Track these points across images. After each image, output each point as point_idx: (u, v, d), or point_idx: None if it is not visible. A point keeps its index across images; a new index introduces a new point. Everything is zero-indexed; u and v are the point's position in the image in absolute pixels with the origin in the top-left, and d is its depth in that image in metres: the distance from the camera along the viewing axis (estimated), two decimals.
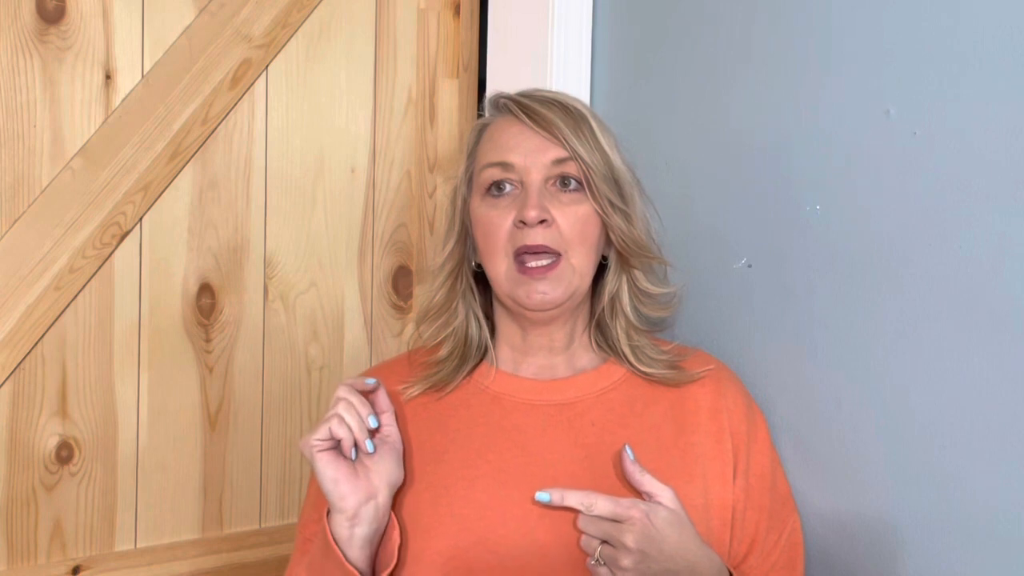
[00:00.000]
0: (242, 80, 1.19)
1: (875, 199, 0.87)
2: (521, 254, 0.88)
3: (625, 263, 0.94)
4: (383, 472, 0.85)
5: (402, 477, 0.87)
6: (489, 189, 0.91)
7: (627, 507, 0.78)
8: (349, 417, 0.82)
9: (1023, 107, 0.76)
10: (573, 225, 0.88)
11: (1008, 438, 0.77)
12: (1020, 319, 0.76)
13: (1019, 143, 0.76)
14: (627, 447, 0.84)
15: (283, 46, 1.22)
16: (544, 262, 0.87)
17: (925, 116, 0.83)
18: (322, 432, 0.82)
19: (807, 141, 0.94)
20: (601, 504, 0.78)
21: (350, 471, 0.83)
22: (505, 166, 0.90)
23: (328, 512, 0.84)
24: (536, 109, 0.90)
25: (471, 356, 0.94)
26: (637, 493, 0.84)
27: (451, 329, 0.94)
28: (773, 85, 0.97)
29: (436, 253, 0.99)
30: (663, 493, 0.81)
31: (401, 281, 1.34)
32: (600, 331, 0.96)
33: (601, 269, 0.95)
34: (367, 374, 1.00)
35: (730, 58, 1.03)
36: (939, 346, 0.82)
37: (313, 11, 1.23)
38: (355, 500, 0.82)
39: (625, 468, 0.83)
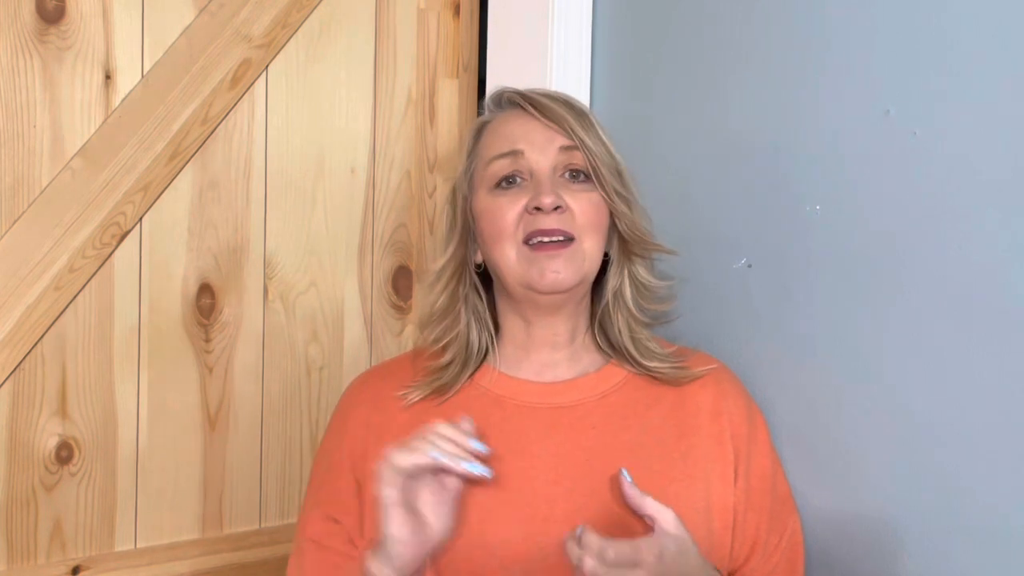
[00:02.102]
0: (242, 80, 1.19)
1: (875, 199, 0.87)
2: (533, 236, 0.87)
3: (627, 256, 0.94)
4: (441, 529, 0.80)
5: (451, 530, 0.82)
6: (499, 183, 0.91)
7: (640, 550, 0.75)
8: (443, 443, 0.77)
9: (1023, 107, 0.76)
10: (586, 211, 0.89)
11: (1008, 438, 0.77)
12: (1020, 319, 0.76)
13: (1019, 143, 0.76)
14: (624, 471, 0.82)
15: (283, 46, 1.22)
16: (558, 238, 0.87)
17: (925, 116, 0.83)
18: (409, 461, 0.76)
19: (807, 141, 0.94)
20: (615, 551, 0.75)
21: (415, 526, 0.78)
22: (515, 155, 0.90)
23: (371, 549, 0.80)
24: (542, 101, 0.92)
25: (472, 360, 0.93)
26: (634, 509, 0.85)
27: (454, 334, 0.93)
28: (773, 85, 0.97)
29: (436, 257, 0.98)
30: (665, 516, 0.79)
31: (401, 281, 1.34)
32: (603, 330, 0.96)
33: (602, 267, 0.95)
34: (368, 373, 1.00)
35: (730, 58, 1.03)
36: (939, 346, 0.82)
37: (313, 11, 1.23)
38: (411, 557, 0.78)
39: (624, 491, 0.81)
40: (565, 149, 0.90)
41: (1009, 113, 0.77)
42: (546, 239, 0.87)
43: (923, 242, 0.83)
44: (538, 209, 0.87)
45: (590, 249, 0.89)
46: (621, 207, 0.91)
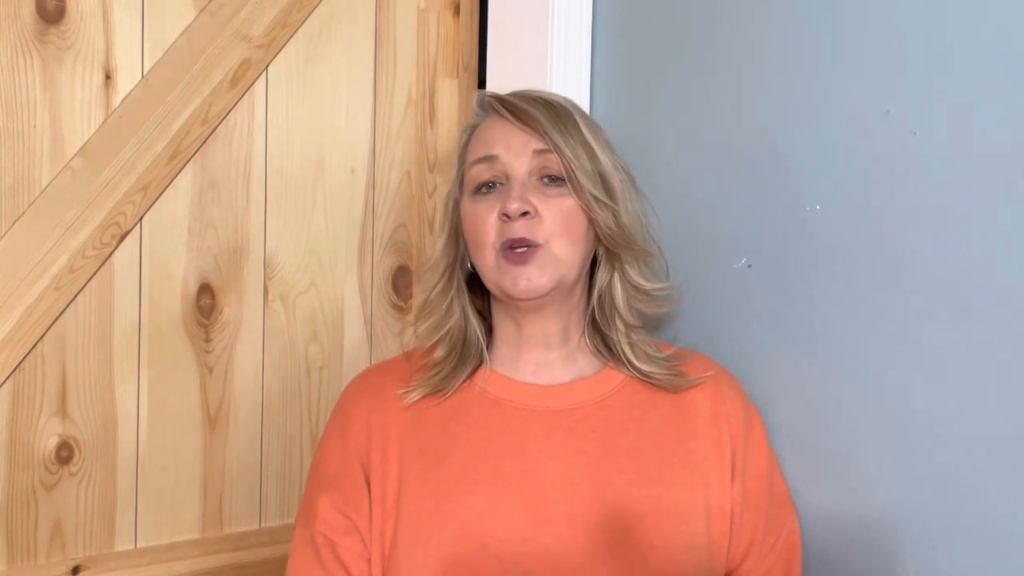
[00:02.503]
0: (242, 80, 1.19)
1: (875, 199, 0.87)
2: (507, 247, 0.88)
3: (614, 257, 0.93)
4: None
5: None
6: (479, 188, 0.91)
7: None
8: None
9: (1023, 107, 0.76)
10: (555, 216, 0.88)
11: (1008, 438, 0.77)
12: (1020, 319, 0.76)
13: (1019, 143, 0.76)
14: None
15: (283, 46, 1.22)
16: (522, 249, 0.87)
17: (925, 116, 0.83)
18: None
19: (807, 141, 0.94)
20: None
21: None
22: (490, 159, 0.90)
23: None
24: (518, 105, 0.91)
25: (469, 357, 0.93)
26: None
27: (446, 329, 0.94)
28: (773, 85, 0.97)
29: (431, 252, 1.00)
30: None
31: (401, 281, 1.34)
32: (598, 333, 0.95)
33: (595, 267, 0.95)
34: (366, 373, 1.00)
35: (730, 58, 1.03)
36: (939, 346, 0.82)
37: (313, 11, 1.23)
38: None
39: None
40: (539, 153, 0.89)
41: (1009, 113, 0.77)
42: (514, 247, 0.87)
43: (923, 242, 0.83)
44: (507, 216, 0.87)
45: (562, 252, 0.88)
46: (598, 212, 0.89)
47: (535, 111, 0.90)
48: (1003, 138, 0.77)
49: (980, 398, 0.79)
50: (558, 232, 0.88)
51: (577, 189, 0.89)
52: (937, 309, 0.82)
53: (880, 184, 0.86)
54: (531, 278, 0.87)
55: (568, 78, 1.18)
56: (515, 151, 0.90)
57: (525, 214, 0.87)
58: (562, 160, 0.89)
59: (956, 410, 0.81)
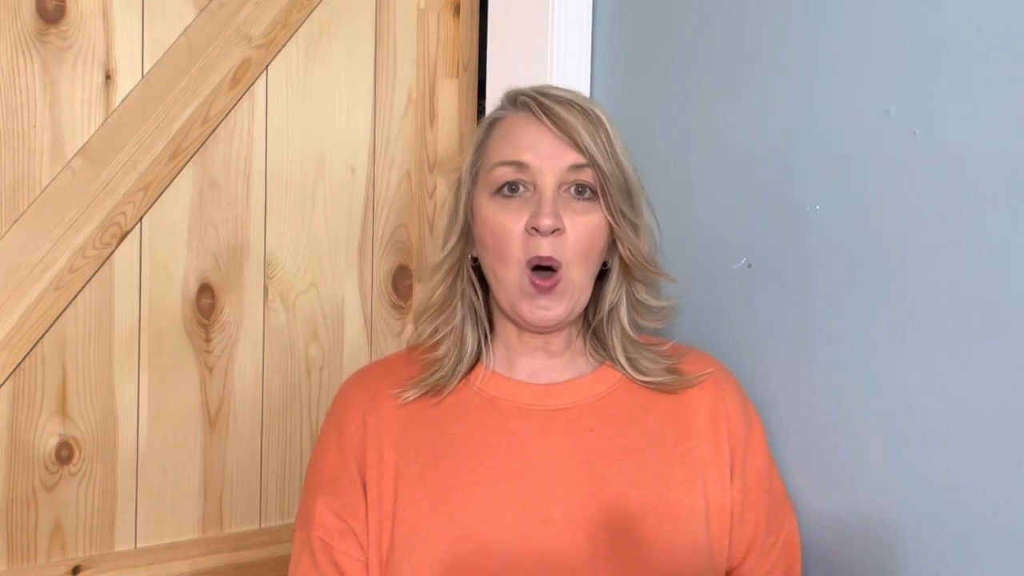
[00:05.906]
0: (242, 80, 1.19)
1: (875, 199, 0.87)
2: (533, 266, 0.86)
3: (628, 274, 0.92)
4: None
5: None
6: (500, 189, 0.88)
7: None
8: None
9: (1023, 107, 0.76)
10: (580, 237, 0.86)
11: (1008, 438, 0.77)
12: (1020, 319, 0.76)
13: (1019, 143, 0.76)
14: None
15: (283, 46, 1.22)
16: (547, 273, 0.86)
17: (925, 116, 0.83)
18: None
19: (807, 141, 0.94)
20: None
21: None
22: (520, 166, 0.87)
23: None
24: (556, 110, 0.87)
25: (467, 355, 0.92)
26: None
27: (450, 328, 0.93)
28: (773, 85, 0.97)
29: (436, 249, 0.97)
30: None
31: (401, 281, 1.34)
32: (596, 338, 0.94)
33: (601, 275, 0.93)
34: (362, 372, 0.99)
35: (730, 58, 1.03)
36: (939, 346, 0.82)
37: (313, 11, 1.23)
38: None
39: None
40: (574, 168, 0.86)
41: (1009, 113, 0.77)
42: (540, 266, 0.86)
43: (923, 241, 0.83)
44: (536, 230, 0.85)
45: (578, 278, 0.87)
46: (626, 231, 0.88)
47: (574, 120, 0.86)
48: (1003, 138, 0.77)
49: (980, 398, 0.79)
50: (578, 254, 0.87)
51: (610, 206, 0.87)
52: (937, 309, 0.82)
53: (880, 184, 0.87)
54: (547, 307, 0.86)
55: (568, 78, 1.18)
56: (548, 161, 0.86)
57: (555, 231, 0.85)
58: (598, 175, 0.86)
59: (956, 410, 0.81)
